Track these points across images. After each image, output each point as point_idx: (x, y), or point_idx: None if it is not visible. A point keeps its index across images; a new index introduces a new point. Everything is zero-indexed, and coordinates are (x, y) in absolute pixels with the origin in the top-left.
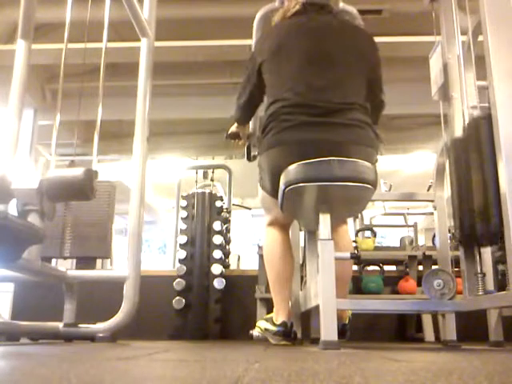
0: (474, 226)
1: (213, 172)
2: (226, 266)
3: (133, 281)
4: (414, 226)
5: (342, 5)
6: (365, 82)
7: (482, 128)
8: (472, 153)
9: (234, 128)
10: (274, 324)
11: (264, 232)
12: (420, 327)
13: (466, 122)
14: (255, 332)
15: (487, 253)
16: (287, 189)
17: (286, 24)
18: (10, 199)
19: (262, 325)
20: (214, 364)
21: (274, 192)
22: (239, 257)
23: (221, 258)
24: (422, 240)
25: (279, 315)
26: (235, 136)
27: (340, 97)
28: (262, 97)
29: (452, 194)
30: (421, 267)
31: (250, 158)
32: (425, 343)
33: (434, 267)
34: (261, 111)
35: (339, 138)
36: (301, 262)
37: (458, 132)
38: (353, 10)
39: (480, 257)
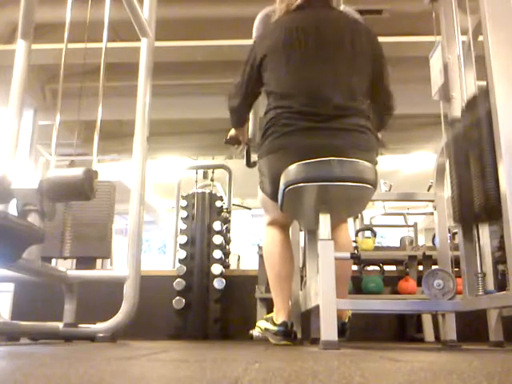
0: (473, 204)
1: (213, 172)
2: (226, 266)
3: (133, 281)
4: (414, 226)
5: (342, 7)
6: (366, 78)
7: (480, 105)
8: (470, 132)
9: (232, 132)
10: (275, 324)
11: (264, 232)
12: (420, 327)
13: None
14: (255, 332)
15: (487, 253)
16: (287, 189)
17: (287, 19)
18: (10, 199)
19: (262, 325)
20: (214, 364)
21: (274, 196)
22: (239, 257)
23: (221, 258)
24: (422, 240)
25: (279, 315)
26: (234, 141)
27: (340, 102)
28: (257, 95)
29: (450, 173)
30: (421, 267)
31: (249, 164)
32: (425, 343)
33: (434, 267)
34: (260, 113)
35: (339, 143)
36: (301, 262)
37: (457, 112)
38: (353, 12)
39: (479, 241)
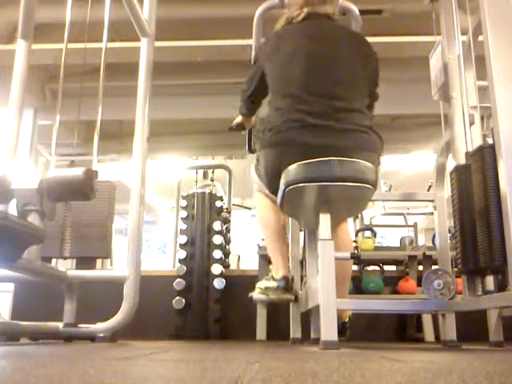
0: (478, 259)
1: (213, 172)
2: (226, 266)
3: (133, 281)
4: (414, 226)
5: (341, 1)
6: (367, 83)
7: (486, 159)
8: (475, 184)
9: (238, 119)
10: (275, 279)
11: (255, 197)
12: (420, 327)
13: (469, 149)
14: (255, 294)
15: None
16: (287, 189)
17: (288, 28)
18: (10, 199)
19: (261, 285)
20: (214, 364)
21: (270, 188)
22: (239, 257)
23: (221, 258)
24: (422, 240)
25: (279, 270)
26: (239, 127)
27: (343, 101)
28: (265, 93)
29: (455, 225)
30: (421, 267)
31: (251, 150)
32: (425, 343)
33: (434, 267)
34: (262, 109)
35: (340, 143)
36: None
37: (461, 158)
38: (352, 8)
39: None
